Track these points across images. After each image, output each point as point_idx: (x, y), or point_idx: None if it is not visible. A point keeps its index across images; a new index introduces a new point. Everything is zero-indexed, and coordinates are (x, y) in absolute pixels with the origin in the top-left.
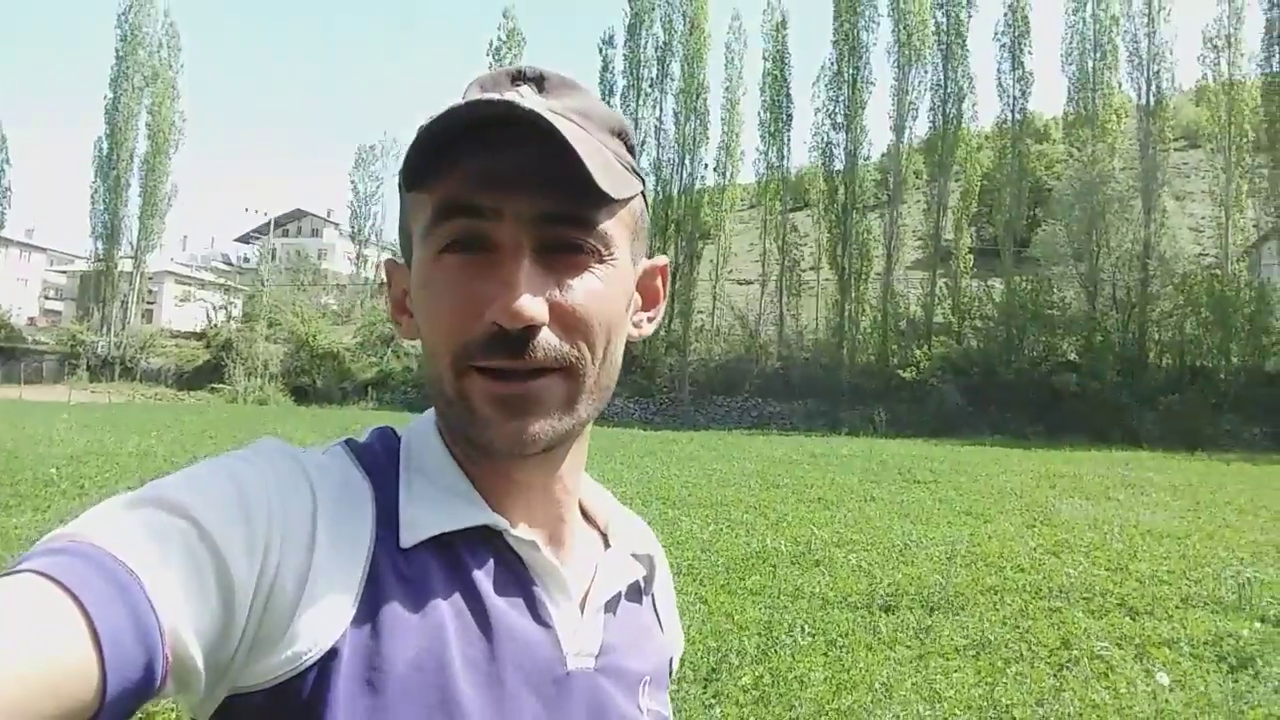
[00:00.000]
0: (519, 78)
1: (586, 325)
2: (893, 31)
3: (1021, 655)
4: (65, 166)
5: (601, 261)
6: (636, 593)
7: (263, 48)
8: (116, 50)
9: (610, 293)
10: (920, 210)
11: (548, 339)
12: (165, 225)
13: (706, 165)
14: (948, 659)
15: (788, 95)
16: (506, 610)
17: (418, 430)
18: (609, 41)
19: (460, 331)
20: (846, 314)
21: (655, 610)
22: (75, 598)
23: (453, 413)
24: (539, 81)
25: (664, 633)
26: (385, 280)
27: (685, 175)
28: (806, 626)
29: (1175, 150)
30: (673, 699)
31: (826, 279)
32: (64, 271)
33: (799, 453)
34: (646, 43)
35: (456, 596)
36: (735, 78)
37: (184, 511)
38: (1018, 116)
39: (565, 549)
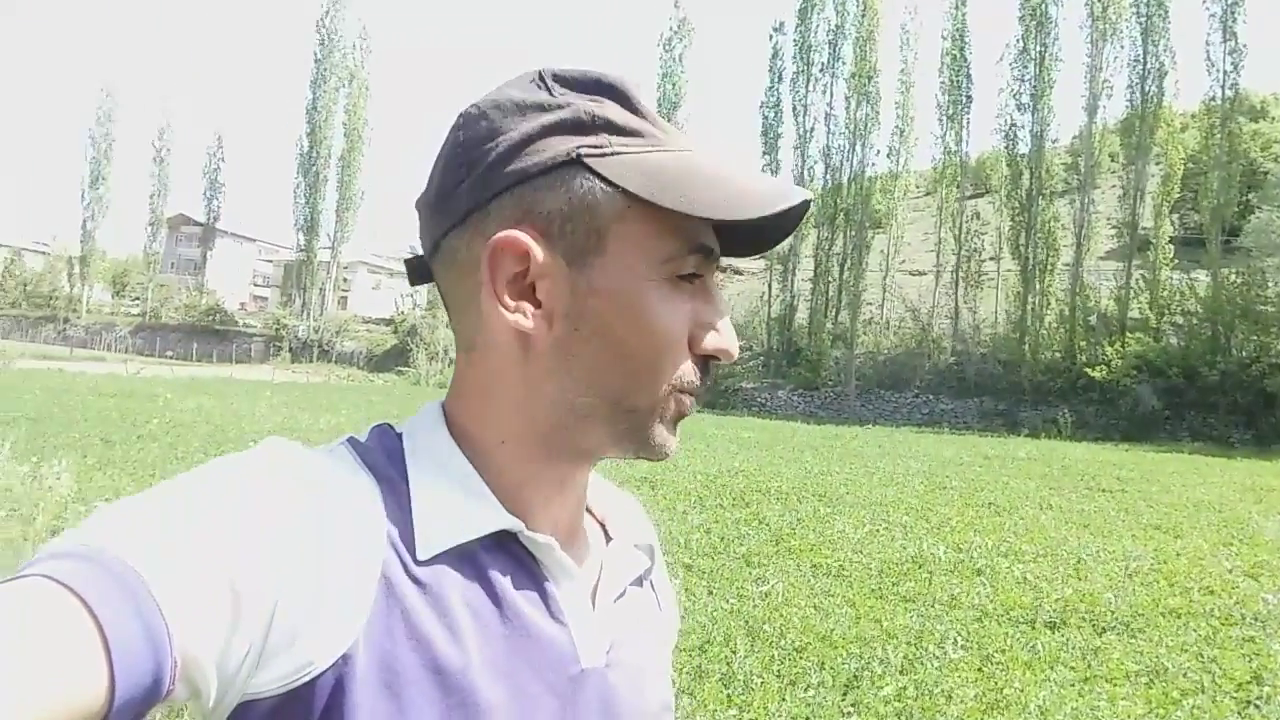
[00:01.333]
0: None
1: None
2: (1085, 5)
3: (1202, 687)
4: (273, 163)
5: None
6: (639, 580)
7: (440, 42)
8: (315, 54)
9: None
10: (1115, 196)
11: None
12: (359, 218)
13: (878, 151)
14: (1115, 685)
15: (968, 76)
16: (523, 609)
17: (422, 427)
18: (779, 28)
19: (683, 356)
20: (1029, 307)
21: (654, 590)
22: (84, 602)
23: (628, 420)
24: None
25: (662, 611)
26: (497, 255)
27: (855, 162)
28: (960, 639)
29: None
30: (808, 704)
31: (1008, 270)
32: (270, 260)
33: (971, 454)
34: (818, 27)
35: (472, 597)
36: (910, 60)
37: (193, 515)
38: (1229, 93)
39: (576, 544)
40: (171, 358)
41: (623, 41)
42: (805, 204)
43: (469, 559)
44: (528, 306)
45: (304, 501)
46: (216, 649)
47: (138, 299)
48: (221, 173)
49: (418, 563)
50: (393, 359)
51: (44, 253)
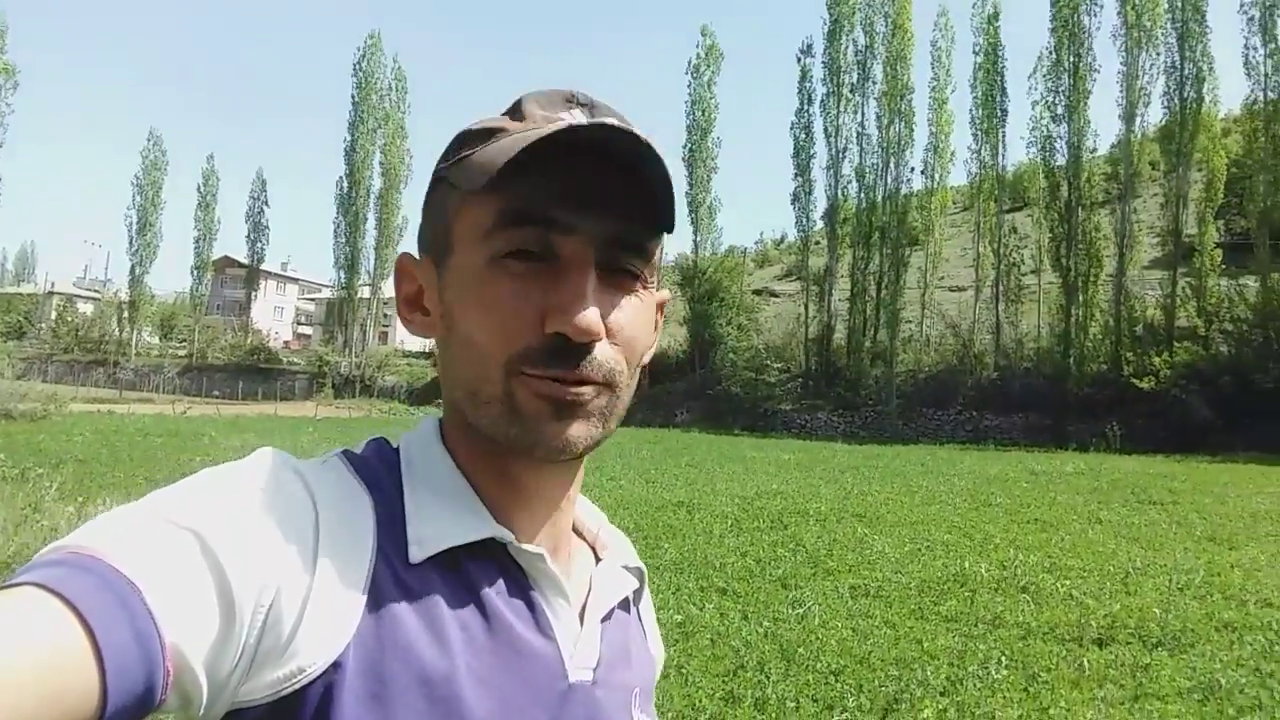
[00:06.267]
0: (572, 101)
1: (630, 346)
2: (1119, 13)
3: (1260, 704)
4: (314, 204)
5: (645, 288)
6: (626, 605)
7: (473, 78)
8: (352, 96)
9: (647, 318)
10: (1157, 204)
11: (601, 354)
12: (398, 255)
13: (913, 169)
14: (1166, 703)
15: (1002, 90)
16: (511, 622)
17: (417, 440)
18: (807, 50)
19: (517, 336)
20: (1073, 319)
21: (641, 623)
22: (76, 610)
23: (490, 414)
24: (590, 107)
25: (647, 640)
26: (397, 277)
27: (890, 180)
28: (1004, 658)
29: None
30: None
31: (1049, 282)
32: (312, 299)
33: (1016, 469)
34: (846, 48)
35: (461, 609)
36: (943, 76)
37: (185, 523)
38: (1271, 95)
39: (565, 561)
40: (218, 397)
41: (654, 69)
42: (637, 150)
43: (458, 569)
44: (419, 316)
45: (295, 510)
46: (208, 657)
47: (184, 341)
48: (265, 215)
49: (408, 569)
50: (433, 392)
51: (95, 298)
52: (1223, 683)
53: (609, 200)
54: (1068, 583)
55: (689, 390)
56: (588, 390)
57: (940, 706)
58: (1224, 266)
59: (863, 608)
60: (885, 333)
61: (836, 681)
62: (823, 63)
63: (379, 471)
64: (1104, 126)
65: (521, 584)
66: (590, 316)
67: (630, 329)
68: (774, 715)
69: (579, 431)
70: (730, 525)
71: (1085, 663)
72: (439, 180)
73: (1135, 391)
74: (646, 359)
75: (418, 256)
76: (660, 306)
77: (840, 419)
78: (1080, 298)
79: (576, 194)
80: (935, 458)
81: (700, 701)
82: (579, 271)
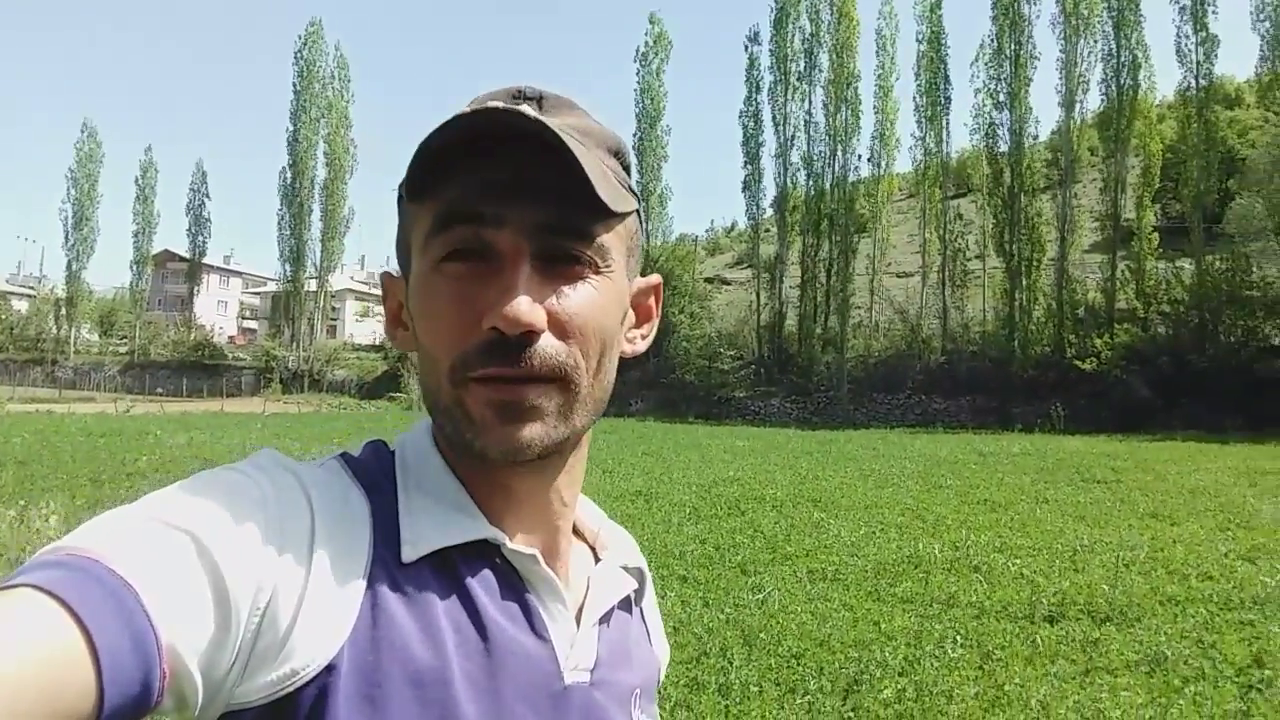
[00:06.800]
0: (519, 96)
1: (582, 334)
2: (1057, 1)
3: (1203, 674)
4: (257, 195)
5: (598, 273)
6: (628, 605)
7: (416, 62)
8: (294, 84)
9: (605, 304)
10: (1096, 189)
11: (544, 347)
12: (344, 246)
13: (860, 156)
14: (1116, 676)
15: (945, 77)
16: (505, 624)
17: (412, 443)
18: (754, 38)
19: (459, 340)
20: (1017, 303)
21: (644, 622)
22: (73, 612)
23: (449, 421)
24: (539, 101)
25: (652, 643)
26: (383, 293)
27: (838, 168)
28: (959, 637)
29: None
30: (807, 710)
31: (994, 267)
32: (257, 293)
33: (965, 451)
34: (793, 36)
35: (455, 611)
36: (887, 64)
37: (182, 525)
38: (1203, 83)
39: (561, 562)
40: (162, 394)
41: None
42: (534, 134)
43: (452, 571)
44: (400, 332)
45: (291, 512)
46: (204, 658)
47: (125, 337)
48: (206, 207)
49: (402, 570)
50: (384, 385)
51: (30, 295)
52: (1168, 655)
53: (538, 187)
54: (1018, 562)
55: (643, 379)
56: (534, 391)
57: (899, 686)
58: (1161, 250)
59: (821, 591)
60: (836, 319)
61: (798, 665)
62: (770, 50)
63: (376, 474)
64: (1044, 114)
65: (515, 585)
66: (519, 306)
67: (582, 318)
68: (737, 700)
69: (532, 433)
70: (689, 513)
71: (1038, 639)
72: (399, 196)
73: (1078, 373)
74: (633, 348)
75: (387, 270)
76: (652, 291)
77: (793, 405)
78: (1024, 282)
79: (503, 185)
80: (886, 441)
81: (665, 689)
82: (512, 264)
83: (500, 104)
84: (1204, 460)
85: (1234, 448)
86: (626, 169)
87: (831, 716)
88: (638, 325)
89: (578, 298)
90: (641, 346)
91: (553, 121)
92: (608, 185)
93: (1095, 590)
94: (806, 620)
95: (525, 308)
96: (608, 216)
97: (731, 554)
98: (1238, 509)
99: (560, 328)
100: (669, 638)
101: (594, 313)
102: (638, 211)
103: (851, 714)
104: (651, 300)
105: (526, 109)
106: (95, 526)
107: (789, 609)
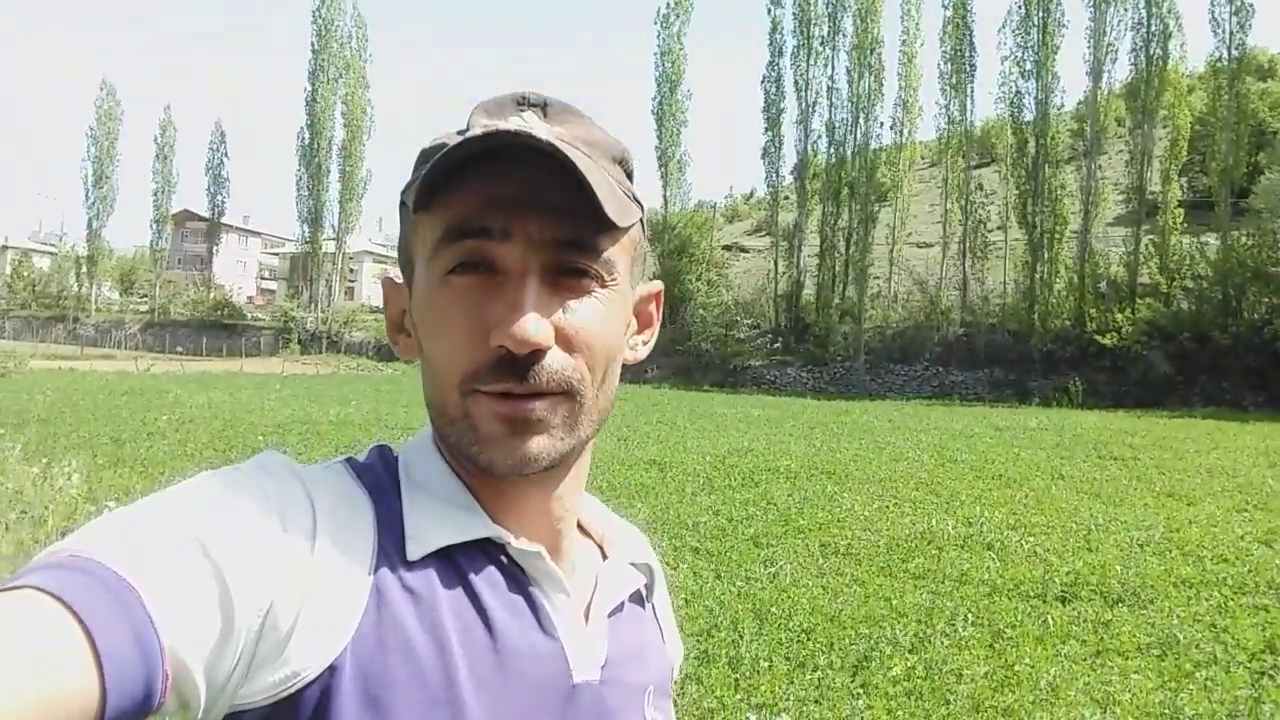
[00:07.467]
0: (523, 103)
1: (589, 349)
2: None
3: (1215, 658)
4: (277, 155)
5: (604, 286)
6: (639, 601)
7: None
8: (312, 44)
9: (611, 317)
10: (1122, 161)
11: (551, 362)
12: (362, 208)
13: (882, 124)
14: (1127, 658)
15: (971, 44)
16: (512, 623)
17: (416, 448)
18: (777, 1)
19: (467, 354)
20: (1038, 276)
21: (656, 619)
22: (75, 614)
23: (455, 432)
24: (543, 108)
25: (665, 642)
26: (384, 298)
27: (859, 135)
28: (970, 615)
29: None
30: (816, 686)
31: (1015, 239)
32: (276, 253)
33: (981, 425)
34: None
35: (461, 610)
36: (912, 29)
37: (184, 527)
38: (1235, 53)
39: (565, 561)
40: (181, 353)
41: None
42: (543, 157)
43: (457, 570)
44: (402, 338)
45: (294, 515)
46: (207, 661)
47: (145, 296)
48: (225, 167)
49: (407, 569)
50: None
51: (51, 253)
52: (1180, 638)
53: (546, 201)
54: (1032, 539)
55: (659, 346)
56: (541, 405)
57: (909, 664)
58: (1186, 224)
59: (833, 566)
60: (854, 289)
61: (808, 640)
62: (793, 14)
63: (380, 477)
64: (1071, 83)
65: (521, 583)
66: (528, 325)
67: (588, 332)
68: (748, 674)
69: (539, 447)
70: (703, 484)
71: (1049, 619)
72: (401, 203)
73: (1098, 347)
74: (634, 355)
75: (389, 275)
76: (654, 297)
77: (809, 374)
78: (1045, 254)
79: (511, 200)
80: (902, 413)
81: None
82: (519, 280)
83: (511, 128)
84: (1223, 439)
85: (1254, 426)
86: (629, 176)
87: (841, 692)
88: (639, 331)
89: (584, 312)
90: (643, 353)
91: (560, 132)
92: (614, 200)
93: (1109, 570)
94: (818, 595)
95: (533, 326)
96: (614, 230)
97: (744, 526)
98: (1256, 490)
99: (567, 342)
100: (680, 611)
101: (600, 326)
102: (641, 219)
103: (861, 690)
104: (652, 307)
105: (533, 117)
106: (97, 528)
107: (800, 583)
